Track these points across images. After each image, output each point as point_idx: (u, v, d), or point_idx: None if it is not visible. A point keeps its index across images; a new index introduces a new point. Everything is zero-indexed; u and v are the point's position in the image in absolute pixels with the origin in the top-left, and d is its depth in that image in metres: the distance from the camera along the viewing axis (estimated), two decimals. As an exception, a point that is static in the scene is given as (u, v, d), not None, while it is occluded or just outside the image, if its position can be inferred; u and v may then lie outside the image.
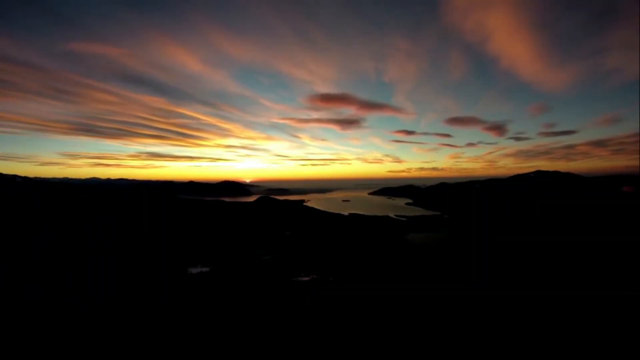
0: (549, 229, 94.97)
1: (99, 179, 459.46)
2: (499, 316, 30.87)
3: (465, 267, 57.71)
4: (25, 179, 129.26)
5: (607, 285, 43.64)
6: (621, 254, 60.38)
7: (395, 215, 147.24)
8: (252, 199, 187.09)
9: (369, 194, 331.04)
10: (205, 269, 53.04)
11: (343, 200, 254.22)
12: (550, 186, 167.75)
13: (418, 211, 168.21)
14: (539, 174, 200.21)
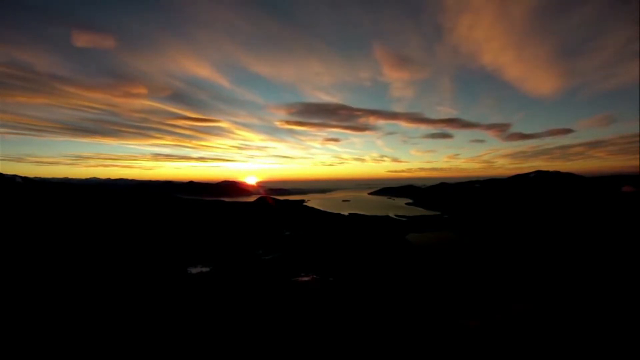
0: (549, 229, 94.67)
1: (98, 179, 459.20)
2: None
3: (465, 266, 57.59)
4: (25, 179, 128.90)
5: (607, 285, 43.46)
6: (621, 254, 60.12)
7: (395, 215, 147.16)
8: (252, 199, 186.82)
9: (369, 194, 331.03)
10: (205, 269, 52.89)
11: (343, 200, 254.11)
12: (552, 186, 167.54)
13: (418, 211, 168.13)
14: (540, 174, 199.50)
